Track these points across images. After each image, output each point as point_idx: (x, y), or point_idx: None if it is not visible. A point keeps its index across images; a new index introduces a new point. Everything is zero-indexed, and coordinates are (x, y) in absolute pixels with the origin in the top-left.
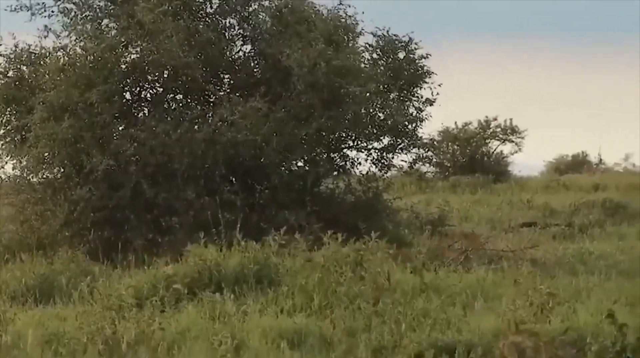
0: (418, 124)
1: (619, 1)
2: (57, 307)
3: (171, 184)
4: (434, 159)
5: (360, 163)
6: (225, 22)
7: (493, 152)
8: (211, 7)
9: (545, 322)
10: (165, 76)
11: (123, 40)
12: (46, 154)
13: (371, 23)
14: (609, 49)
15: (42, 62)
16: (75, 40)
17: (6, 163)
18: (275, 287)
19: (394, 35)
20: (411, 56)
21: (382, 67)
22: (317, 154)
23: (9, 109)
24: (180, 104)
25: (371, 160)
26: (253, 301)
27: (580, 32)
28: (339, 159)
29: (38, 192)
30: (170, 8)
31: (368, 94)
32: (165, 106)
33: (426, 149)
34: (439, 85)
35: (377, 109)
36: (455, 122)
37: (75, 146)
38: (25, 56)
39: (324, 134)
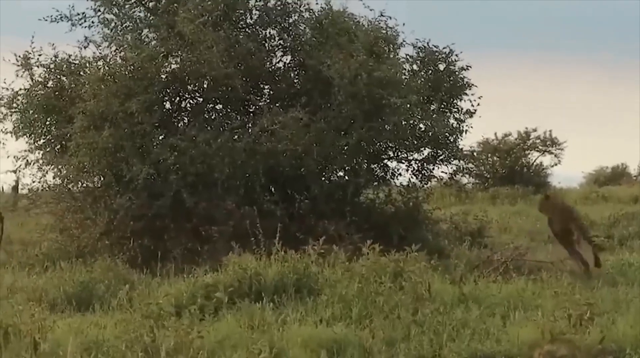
0: (458, 135)
1: None
2: (96, 315)
3: (211, 194)
4: (474, 171)
5: (400, 174)
6: (266, 33)
7: (533, 163)
8: (251, 18)
9: (584, 332)
10: (206, 86)
11: (163, 50)
12: (86, 163)
13: (412, 35)
14: None
15: (82, 72)
16: (115, 51)
17: (47, 171)
18: (315, 297)
19: (435, 46)
20: (451, 67)
21: (422, 79)
22: (358, 164)
23: (49, 118)
24: (221, 114)
25: (411, 171)
26: (292, 310)
27: (620, 46)
28: (379, 170)
29: (78, 201)
30: (210, 19)
31: (409, 105)
32: (205, 115)
33: (466, 161)
34: (479, 97)
35: (417, 120)
36: (495, 134)
37: (115, 155)
38: (65, 66)
39: (364, 144)
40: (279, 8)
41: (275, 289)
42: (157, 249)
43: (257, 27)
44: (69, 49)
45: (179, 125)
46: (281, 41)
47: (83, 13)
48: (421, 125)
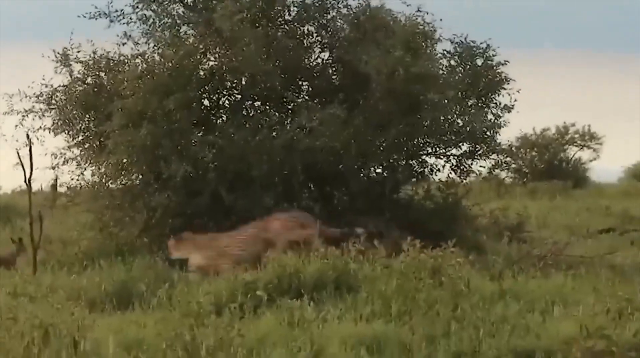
0: (496, 130)
1: None
2: (136, 313)
3: (249, 191)
4: (513, 165)
5: (439, 170)
6: (304, 30)
7: (571, 158)
8: (289, 15)
9: (624, 327)
10: (244, 83)
11: (201, 47)
12: (125, 160)
13: (449, 30)
14: None
15: (120, 69)
16: (153, 48)
17: (85, 169)
18: (354, 294)
19: (472, 41)
20: (489, 62)
21: (460, 74)
22: (396, 160)
23: (87, 115)
24: (259, 111)
25: (450, 166)
26: (332, 307)
27: None
28: (417, 166)
29: (116, 198)
30: (248, 16)
31: (446, 100)
32: (243, 112)
33: (505, 156)
34: (518, 91)
35: (455, 116)
36: (534, 128)
37: (154, 152)
38: (103, 62)
39: (402, 140)
40: (317, 4)
41: (315, 286)
42: None
43: (295, 24)
44: (108, 45)
45: (217, 122)
46: (319, 38)
47: (121, 10)
48: (459, 120)
